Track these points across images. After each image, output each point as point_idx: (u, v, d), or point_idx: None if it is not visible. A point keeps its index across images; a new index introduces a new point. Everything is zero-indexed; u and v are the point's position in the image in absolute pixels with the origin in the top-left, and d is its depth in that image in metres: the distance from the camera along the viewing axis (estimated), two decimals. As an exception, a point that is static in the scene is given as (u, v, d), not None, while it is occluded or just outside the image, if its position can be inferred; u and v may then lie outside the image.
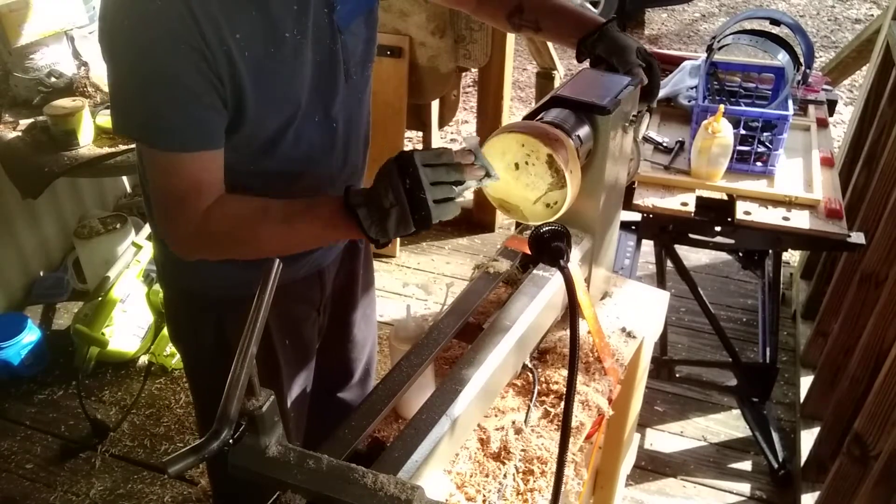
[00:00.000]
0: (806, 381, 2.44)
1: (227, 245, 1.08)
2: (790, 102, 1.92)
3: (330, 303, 1.47)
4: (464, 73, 3.15)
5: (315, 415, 1.56)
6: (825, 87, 2.35)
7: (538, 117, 1.11)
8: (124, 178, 3.40)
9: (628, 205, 1.88)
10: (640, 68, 1.21)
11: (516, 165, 1.05)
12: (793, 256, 3.22)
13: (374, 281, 1.65)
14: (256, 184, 1.14)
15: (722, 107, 1.85)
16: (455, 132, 4.57)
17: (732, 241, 1.93)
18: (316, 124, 1.16)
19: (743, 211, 1.85)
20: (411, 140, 4.18)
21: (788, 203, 1.87)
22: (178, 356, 2.58)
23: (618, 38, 1.24)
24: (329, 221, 1.02)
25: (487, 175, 1.00)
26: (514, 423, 1.11)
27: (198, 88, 0.97)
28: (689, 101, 2.19)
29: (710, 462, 2.33)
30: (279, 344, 1.34)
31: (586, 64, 1.29)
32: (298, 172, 1.18)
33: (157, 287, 2.74)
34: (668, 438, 2.40)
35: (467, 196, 3.58)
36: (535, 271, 1.17)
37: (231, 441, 0.71)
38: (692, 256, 3.12)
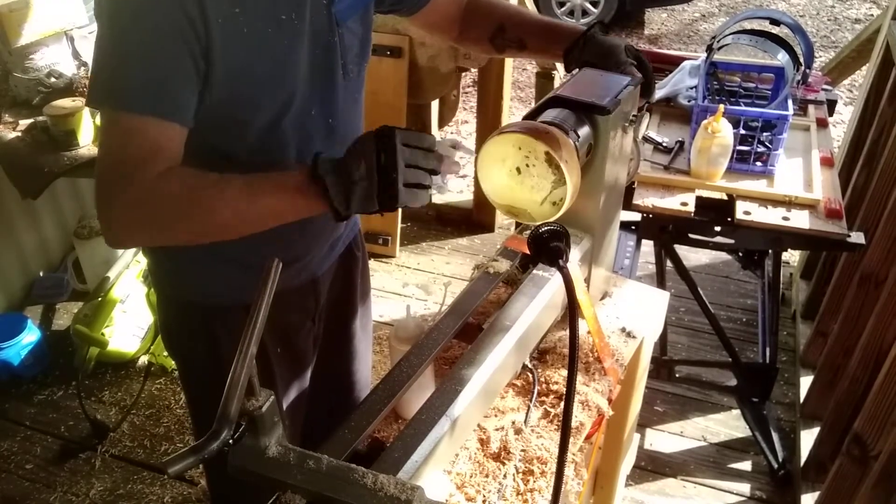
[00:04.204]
0: (806, 381, 2.44)
1: (174, 214, 0.98)
2: (790, 102, 1.92)
3: (325, 312, 1.45)
4: (464, 73, 3.15)
5: (315, 422, 1.56)
6: (825, 86, 2.35)
7: (538, 117, 1.11)
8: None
9: (628, 205, 1.88)
10: (632, 66, 1.20)
11: (518, 170, 1.05)
12: (793, 256, 3.22)
13: (370, 290, 1.63)
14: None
15: (722, 107, 1.85)
16: (455, 132, 4.57)
17: (732, 241, 1.93)
18: (313, 119, 1.16)
19: (743, 211, 1.85)
20: (411, 140, 4.18)
21: (788, 203, 1.87)
22: (177, 356, 2.58)
23: (603, 41, 1.23)
24: (294, 190, 0.96)
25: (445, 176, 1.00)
26: (514, 423, 1.11)
27: (180, 61, 0.96)
28: (689, 101, 2.19)
29: (710, 462, 2.33)
30: (272, 352, 1.32)
31: None
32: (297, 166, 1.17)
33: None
34: (668, 438, 2.40)
35: (447, 198, 3.59)
36: (534, 271, 1.17)
37: (231, 441, 0.71)
38: (692, 256, 3.12)
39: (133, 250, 2.73)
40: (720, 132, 1.84)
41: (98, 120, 2.35)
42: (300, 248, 1.29)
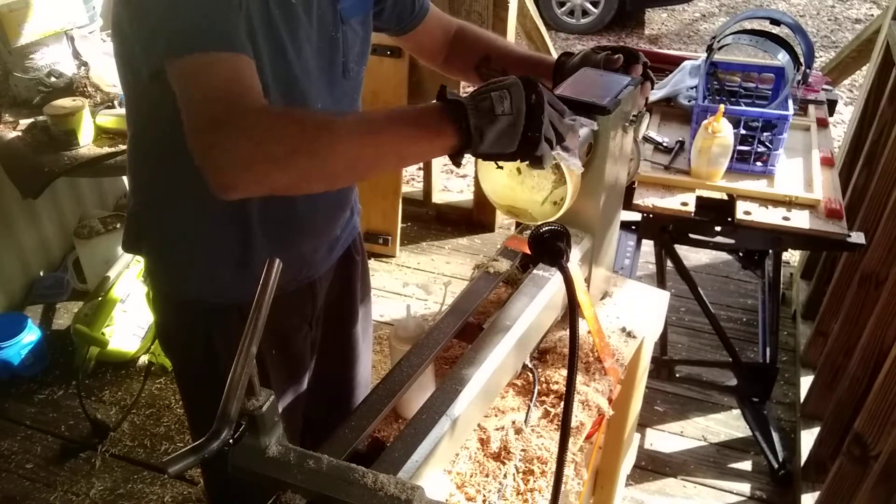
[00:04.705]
0: (806, 381, 2.44)
1: (287, 147, 0.87)
2: (790, 102, 1.92)
3: (323, 316, 1.45)
4: (464, 73, 3.15)
5: (315, 423, 1.55)
6: (825, 87, 2.35)
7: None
8: (124, 178, 3.39)
9: (628, 205, 1.88)
10: (609, 54, 1.22)
11: (518, 170, 1.05)
12: (793, 256, 3.22)
13: (370, 293, 1.62)
14: None
15: (722, 107, 1.85)
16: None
17: (732, 241, 1.93)
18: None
19: (743, 211, 1.85)
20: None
21: (788, 203, 1.87)
22: (178, 356, 2.58)
23: (573, 60, 1.26)
24: (414, 120, 0.91)
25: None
26: (514, 423, 1.11)
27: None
28: (689, 101, 2.19)
29: (710, 462, 2.33)
30: (267, 355, 1.32)
31: None
32: None
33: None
34: (668, 438, 2.40)
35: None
36: (535, 271, 1.17)
37: (231, 441, 0.71)
38: (692, 256, 3.12)
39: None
40: (720, 132, 1.84)
41: (98, 121, 2.35)
42: (298, 247, 1.28)
